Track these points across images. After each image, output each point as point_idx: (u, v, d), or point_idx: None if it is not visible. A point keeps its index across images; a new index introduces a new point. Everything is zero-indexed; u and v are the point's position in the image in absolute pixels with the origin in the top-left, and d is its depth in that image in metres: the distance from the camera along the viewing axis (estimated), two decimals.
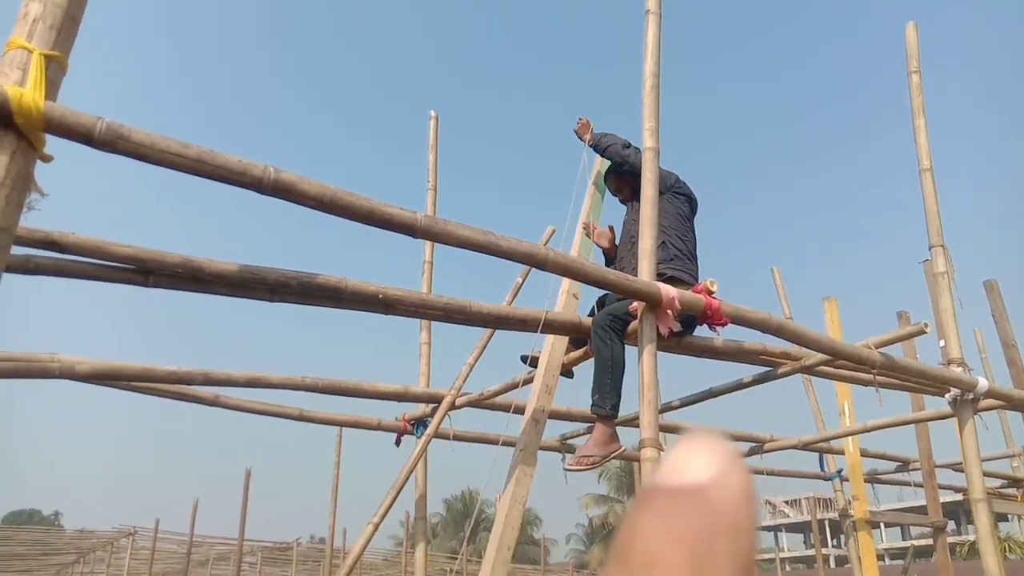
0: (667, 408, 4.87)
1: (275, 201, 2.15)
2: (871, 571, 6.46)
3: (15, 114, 1.74)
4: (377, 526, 4.15)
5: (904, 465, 7.36)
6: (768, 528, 59.12)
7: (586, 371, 3.72)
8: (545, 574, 24.15)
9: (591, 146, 4.27)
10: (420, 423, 4.88)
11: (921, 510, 8.03)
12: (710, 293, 3.15)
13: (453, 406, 4.44)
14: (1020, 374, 5.79)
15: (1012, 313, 6.06)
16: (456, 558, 26.43)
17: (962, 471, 4.36)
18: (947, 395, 3.87)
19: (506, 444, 5.28)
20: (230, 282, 2.54)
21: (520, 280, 4.73)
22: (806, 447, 6.49)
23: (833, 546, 50.33)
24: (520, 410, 4.31)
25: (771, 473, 6.97)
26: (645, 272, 3.06)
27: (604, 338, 3.37)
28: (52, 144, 1.86)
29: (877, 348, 3.68)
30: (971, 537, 32.05)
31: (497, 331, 4.23)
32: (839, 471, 7.22)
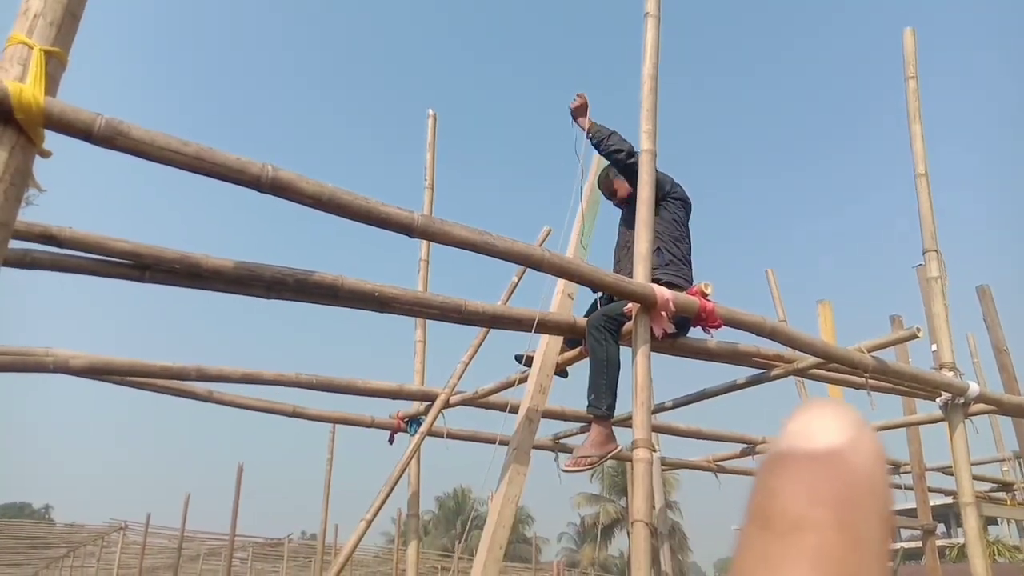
0: (660, 409, 4.89)
1: (273, 199, 2.16)
2: None
3: (15, 109, 1.74)
4: (370, 523, 4.15)
5: (895, 468, 7.39)
6: None
7: (580, 371, 3.74)
8: (536, 572, 24.18)
9: (589, 138, 3.89)
10: (414, 421, 4.89)
11: (911, 513, 8.07)
12: (704, 296, 3.17)
13: (447, 404, 4.45)
14: (1011, 379, 5.82)
15: (1004, 318, 6.10)
16: (447, 556, 26.43)
17: (952, 474, 4.39)
18: (938, 399, 3.90)
19: (500, 443, 5.30)
20: (227, 278, 2.55)
21: (515, 280, 4.74)
22: None
23: None
24: (514, 409, 4.33)
25: None
26: (640, 274, 3.08)
27: (599, 338, 3.38)
28: (51, 140, 1.86)
29: (870, 352, 3.70)
30: (960, 540, 32.13)
31: (492, 330, 4.25)
32: None
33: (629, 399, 2.89)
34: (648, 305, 2.99)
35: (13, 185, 1.71)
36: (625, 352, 3.34)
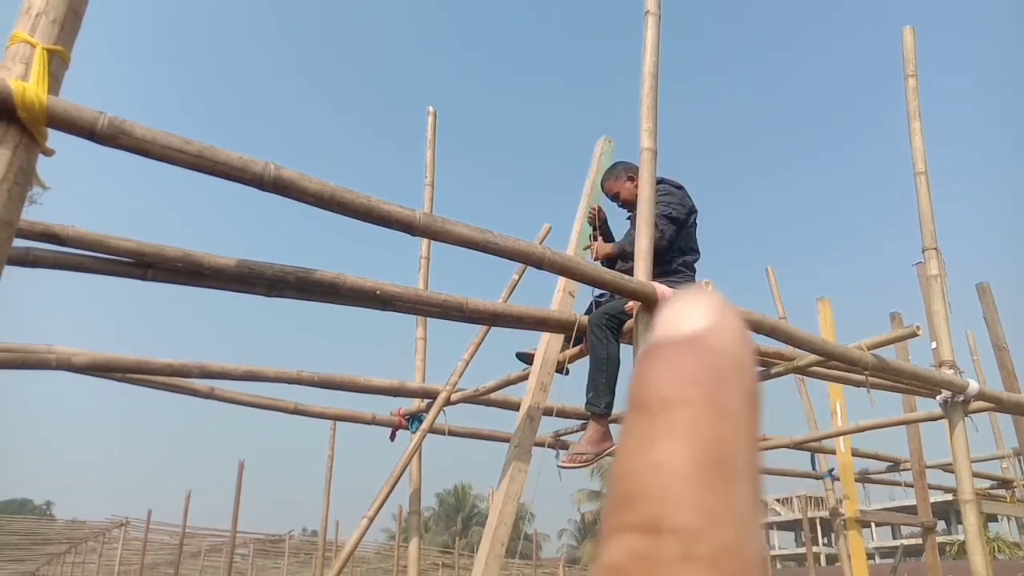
0: None
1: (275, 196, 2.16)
2: (861, 570, 6.51)
3: (18, 108, 1.75)
4: (372, 520, 4.17)
5: (895, 465, 7.41)
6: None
7: (581, 369, 3.74)
8: (537, 569, 24.22)
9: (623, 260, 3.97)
10: (415, 418, 4.90)
11: (911, 510, 8.09)
12: None
13: (448, 402, 4.46)
14: (1011, 376, 5.83)
15: (1004, 316, 6.11)
16: (448, 552, 26.49)
17: (952, 471, 4.40)
18: (938, 397, 3.90)
19: (500, 440, 5.31)
20: (228, 277, 2.56)
21: (516, 277, 4.74)
22: (798, 446, 6.53)
23: (824, 544, 50.55)
24: (515, 406, 4.34)
25: (763, 471, 7.00)
26: (641, 272, 3.08)
27: (600, 336, 3.39)
28: (53, 138, 1.87)
29: (870, 349, 3.71)
30: (960, 537, 32.20)
31: (493, 328, 4.26)
32: (830, 470, 7.27)
33: None
34: (649, 303, 3.00)
35: (17, 184, 1.72)
36: (626, 350, 3.35)
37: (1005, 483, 7.93)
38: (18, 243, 2.34)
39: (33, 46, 1.80)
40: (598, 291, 3.84)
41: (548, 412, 3.78)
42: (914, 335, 3.71)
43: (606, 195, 4.27)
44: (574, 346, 3.88)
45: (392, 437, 5.03)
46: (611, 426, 3.48)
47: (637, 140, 3.35)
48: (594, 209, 4.21)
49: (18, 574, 25.71)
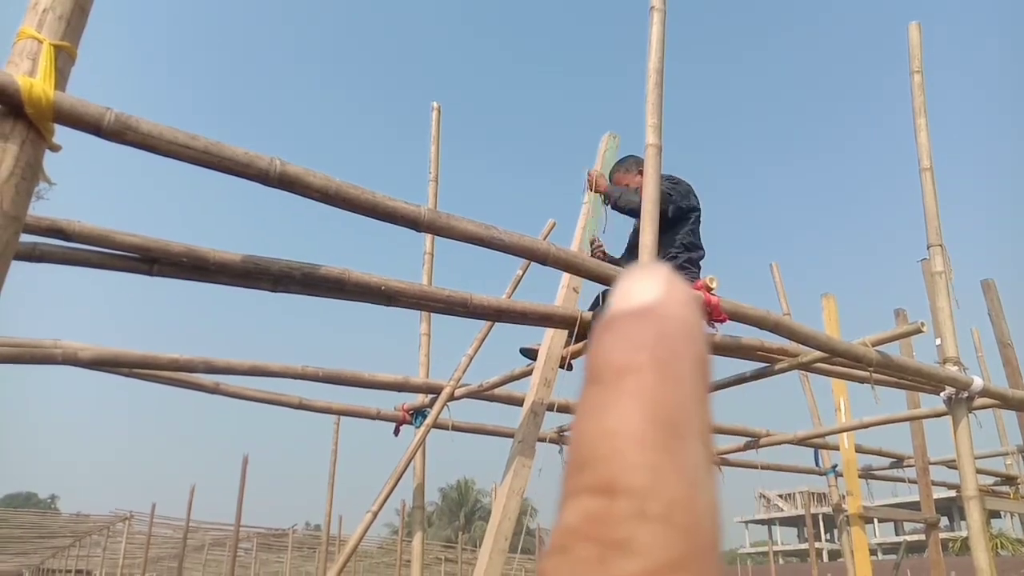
0: None
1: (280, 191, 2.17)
2: (864, 566, 6.51)
3: (25, 104, 1.75)
4: (376, 514, 4.18)
5: (898, 461, 7.41)
6: (762, 522, 59.37)
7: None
8: (540, 565, 24.18)
9: (607, 204, 4.07)
10: (419, 413, 4.90)
11: (914, 506, 8.09)
12: (709, 290, 3.17)
13: (452, 397, 4.47)
14: (1015, 373, 5.82)
15: (1008, 312, 6.09)
16: (451, 546, 26.54)
17: (956, 468, 4.40)
18: (942, 393, 3.90)
19: (504, 435, 5.32)
20: (233, 272, 2.56)
21: (520, 273, 4.74)
22: (801, 442, 6.53)
23: (826, 540, 50.55)
24: (519, 402, 4.34)
25: (766, 467, 7.02)
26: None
27: None
28: (60, 134, 1.87)
29: (874, 346, 3.71)
30: (964, 533, 32.21)
31: (497, 323, 4.26)
32: (834, 466, 7.27)
33: None
34: None
35: (24, 179, 1.72)
36: None
37: (1009, 479, 7.92)
38: (25, 238, 2.34)
39: (40, 42, 1.80)
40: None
41: (551, 408, 3.78)
42: (918, 331, 3.71)
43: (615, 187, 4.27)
44: (578, 342, 3.88)
45: (396, 432, 5.04)
46: None
47: (642, 135, 3.35)
48: (593, 175, 4.14)
49: (23, 567, 25.84)
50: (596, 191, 4.14)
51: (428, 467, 5.04)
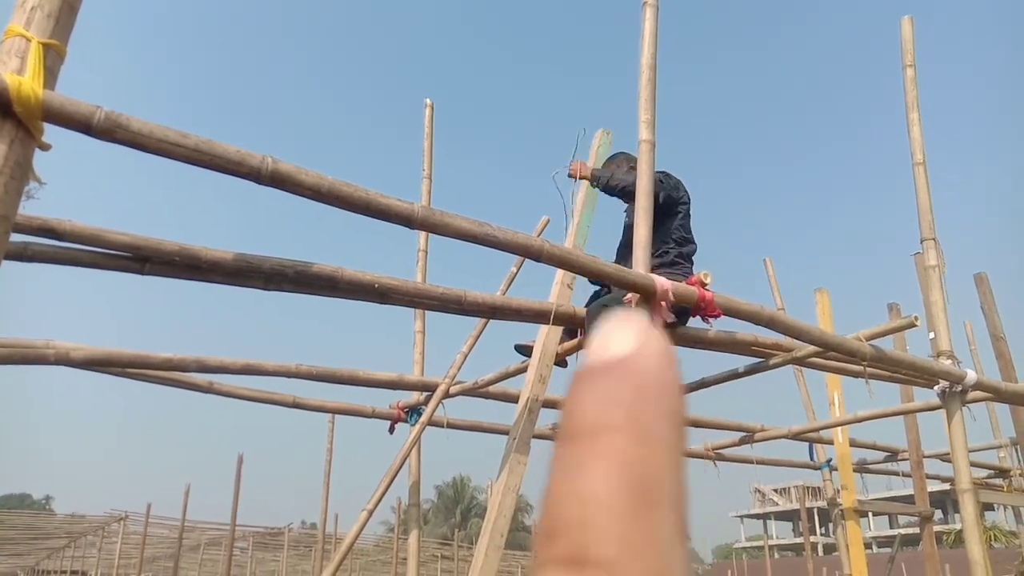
0: None
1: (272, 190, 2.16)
2: (858, 559, 6.54)
3: (14, 103, 1.74)
4: (371, 512, 4.17)
5: (893, 455, 7.43)
6: (757, 516, 59.54)
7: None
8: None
9: (597, 187, 4.04)
10: (414, 411, 4.90)
11: (908, 499, 8.12)
12: (703, 285, 3.17)
13: (447, 394, 4.46)
14: (1008, 366, 5.85)
15: (1001, 306, 6.11)
16: (447, 544, 26.55)
17: (950, 461, 4.41)
18: (936, 387, 3.91)
19: (499, 433, 5.31)
20: (226, 270, 2.55)
21: (515, 270, 4.74)
22: (796, 437, 6.54)
23: (821, 534, 50.74)
24: (514, 399, 4.34)
25: (761, 462, 7.03)
26: (640, 262, 3.08)
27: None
28: (50, 133, 1.86)
29: (868, 340, 3.71)
30: (958, 526, 32.32)
31: (491, 320, 4.25)
32: (828, 461, 7.29)
33: None
34: (647, 295, 2.99)
35: (13, 179, 1.71)
36: None
37: (1002, 472, 7.96)
38: (16, 238, 2.33)
39: (28, 40, 1.79)
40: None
41: (547, 404, 3.78)
42: (912, 325, 3.71)
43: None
44: (573, 338, 3.88)
45: (391, 430, 5.03)
46: None
47: (635, 131, 3.34)
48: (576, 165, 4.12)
49: (18, 568, 25.75)
50: (581, 178, 4.11)
51: (424, 465, 5.04)
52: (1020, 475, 7.33)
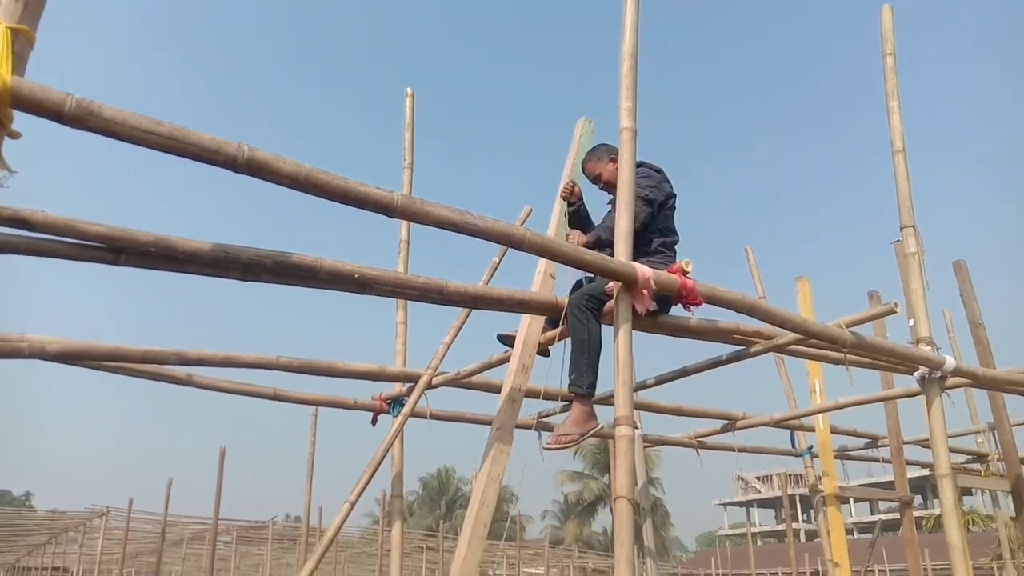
0: (642, 386, 4.90)
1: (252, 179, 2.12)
2: (840, 545, 6.60)
3: None
4: (353, 505, 4.16)
5: (873, 442, 7.50)
6: (740, 504, 60.10)
7: (562, 351, 3.73)
8: (520, 550, 24.37)
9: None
10: (397, 402, 4.88)
11: (889, 485, 8.20)
12: (685, 273, 3.17)
13: (430, 385, 4.45)
14: (986, 352, 5.90)
15: (980, 293, 6.16)
16: (432, 535, 26.57)
17: (928, 447, 4.45)
18: (916, 373, 3.93)
19: (483, 423, 5.31)
20: (203, 261, 2.51)
21: (497, 260, 4.73)
22: (778, 424, 6.58)
23: (803, 521, 51.29)
24: (497, 389, 4.33)
25: (743, 450, 7.08)
26: (622, 252, 3.07)
27: (580, 317, 3.38)
28: (20, 120, 1.82)
29: (848, 327, 3.73)
30: (937, 511, 32.83)
31: (474, 310, 4.24)
32: (810, 447, 7.35)
33: (612, 377, 2.90)
34: (629, 283, 2.99)
35: None
36: (607, 331, 3.35)
37: (980, 457, 8.06)
38: None
39: None
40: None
41: (530, 394, 3.77)
42: (892, 312, 3.73)
43: (587, 177, 4.25)
44: (556, 328, 3.87)
45: (373, 422, 5.01)
46: (595, 406, 3.47)
47: (617, 120, 3.33)
48: (569, 185, 4.17)
49: None
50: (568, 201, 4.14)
51: (408, 456, 5.02)
52: (998, 460, 7.42)
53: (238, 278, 2.56)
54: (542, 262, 3.93)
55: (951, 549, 3.60)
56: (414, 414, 4.47)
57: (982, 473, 7.77)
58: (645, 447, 6.85)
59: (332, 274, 2.67)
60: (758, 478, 59.39)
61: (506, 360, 4.06)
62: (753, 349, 4.02)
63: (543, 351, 3.99)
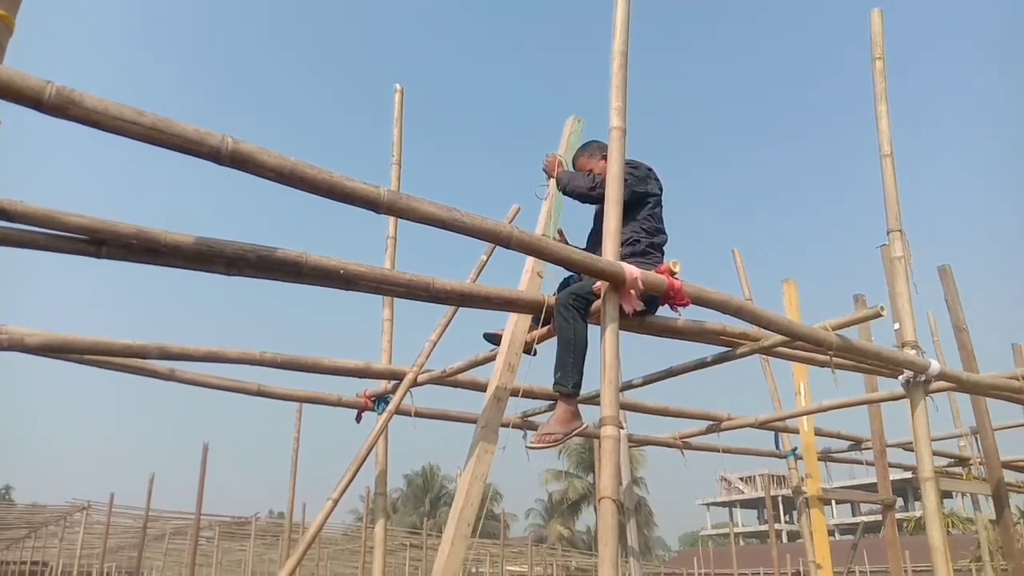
0: (628, 386, 4.90)
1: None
2: (823, 546, 6.63)
3: None
4: (336, 502, 4.12)
5: (856, 444, 7.53)
6: (723, 504, 60.37)
7: (548, 350, 3.72)
8: (504, 548, 24.36)
9: (559, 188, 4.14)
10: (381, 399, 4.85)
11: (870, 487, 8.24)
12: (672, 274, 3.16)
13: (415, 383, 4.42)
14: (970, 357, 5.93)
15: (964, 298, 6.20)
16: (416, 532, 26.52)
17: (911, 450, 4.47)
18: (900, 377, 3.95)
19: (468, 421, 5.29)
20: (186, 254, 2.48)
21: (484, 258, 4.70)
22: (762, 426, 6.60)
23: (786, 522, 51.57)
24: (482, 387, 4.31)
25: (728, 451, 7.10)
26: (609, 252, 3.06)
27: (567, 316, 3.37)
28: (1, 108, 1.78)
29: (834, 330, 3.74)
30: (917, 513, 33.09)
31: (461, 308, 4.21)
32: (794, 449, 7.38)
33: (597, 377, 2.88)
34: (617, 283, 2.98)
35: None
36: (594, 331, 3.34)
37: (962, 460, 8.11)
38: None
39: None
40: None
41: (515, 393, 3.76)
42: (878, 316, 3.74)
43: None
44: (542, 327, 3.85)
45: (358, 419, 4.98)
46: (580, 406, 3.46)
47: (607, 119, 3.32)
48: (552, 160, 4.22)
49: None
50: (548, 174, 4.20)
51: (392, 454, 5.00)
52: (980, 463, 7.47)
53: (222, 272, 2.53)
54: (529, 261, 3.91)
55: (933, 551, 3.61)
56: (399, 412, 4.44)
57: (964, 477, 7.82)
58: (630, 447, 6.85)
59: (317, 270, 2.65)
60: (741, 479, 59.67)
61: (492, 358, 4.04)
62: (739, 351, 4.02)
63: (530, 350, 3.97)
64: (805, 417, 6.58)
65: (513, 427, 5.64)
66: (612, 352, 2.87)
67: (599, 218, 4.01)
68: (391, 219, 5.20)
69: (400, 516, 43.98)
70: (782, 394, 7.47)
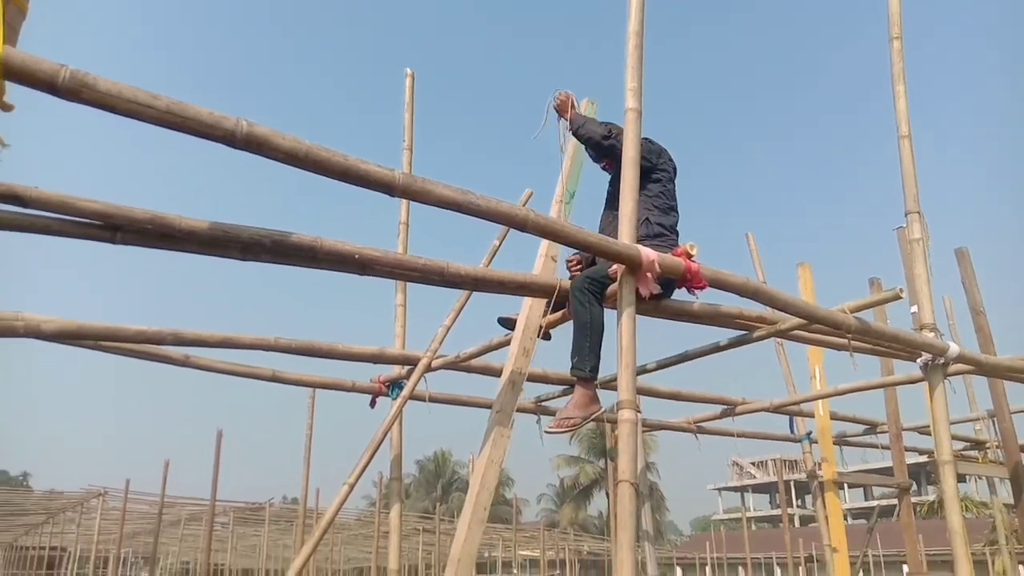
0: (642, 371, 4.88)
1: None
2: (838, 530, 6.61)
3: None
4: (352, 486, 4.14)
5: (872, 428, 7.50)
6: (735, 489, 60.41)
7: (563, 334, 3.70)
8: (517, 533, 24.49)
9: (571, 129, 4.00)
10: (395, 385, 4.85)
11: (884, 471, 8.21)
12: (690, 257, 3.13)
13: (429, 368, 4.42)
14: (987, 340, 5.87)
15: (981, 280, 6.13)
16: (428, 517, 26.68)
17: (927, 434, 4.44)
18: (919, 359, 3.91)
19: (482, 406, 5.29)
20: (201, 240, 2.47)
21: (498, 242, 4.68)
22: (777, 410, 6.57)
23: (798, 506, 51.60)
24: (496, 373, 4.30)
25: (743, 435, 7.07)
26: (625, 234, 3.03)
27: (583, 300, 3.34)
28: (14, 92, 1.77)
29: (852, 313, 3.70)
30: (930, 497, 33.02)
31: (474, 293, 4.20)
32: (808, 433, 7.35)
33: (613, 361, 2.87)
34: (633, 266, 2.95)
35: None
36: (609, 315, 3.32)
37: (978, 444, 8.06)
38: None
39: None
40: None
41: (531, 378, 3.74)
42: (897, 298, 3.70)
43: (590, 155, 4.20)
44: (557, 311, 3.83)
45: (372, 404, 4.99)
46: (597, 390, 3.44)
47: (621, 100, 3.28)
48: (562, 96, 4.05)
49: None
50: (560, 113, 4.06)
51: (405, 439, 5.00)
52: (996, 447, 7.42)
53: (237, 257, 2.52)
54: (544, 244, 3.89)
55: (952, 535, 3.59)
56: (413, 397, 4.44)
57: (980, 460, 7.77)
58: (643, 431, 6.84)
59: (332, 254, 2.63)
60: (753, 463, 59.64)
61: (506, 343, 4.03)
62: (756, 334, 3.99)
63: (545, 334, 3.95)
64: (820, 401, 6.54)
65: (527, 412, 5.64)
66: (629, 336, 2.85)
67: (612, 199, 3.97)
68: (403, 205, 5.19)
69: (412, 502, 44.24)
70: (796, 378, 7.44)
